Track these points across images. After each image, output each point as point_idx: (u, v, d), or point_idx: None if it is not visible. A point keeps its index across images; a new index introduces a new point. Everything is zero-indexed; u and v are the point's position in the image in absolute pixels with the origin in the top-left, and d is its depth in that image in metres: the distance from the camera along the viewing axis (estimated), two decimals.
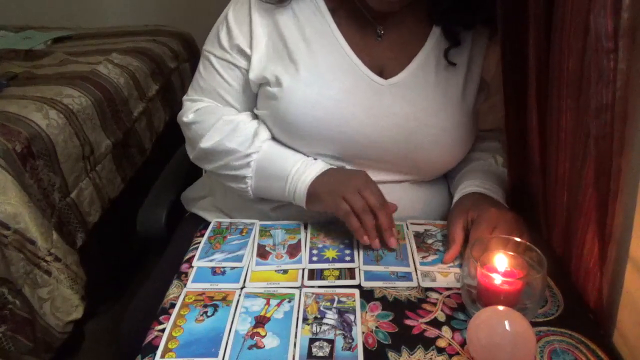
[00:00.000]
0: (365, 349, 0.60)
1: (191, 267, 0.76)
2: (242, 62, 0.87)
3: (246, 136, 0.85)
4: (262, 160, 0.84)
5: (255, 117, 0.90)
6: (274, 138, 0.87)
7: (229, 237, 0.83)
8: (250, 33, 0.85)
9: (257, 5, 0.85)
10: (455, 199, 0.85)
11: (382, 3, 0.78)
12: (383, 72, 0.84)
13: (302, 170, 0.82)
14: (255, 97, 0.89)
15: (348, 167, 0.86)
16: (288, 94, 0.81)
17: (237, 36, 0.86)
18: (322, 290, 0.70)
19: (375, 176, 0.85)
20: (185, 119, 0.90)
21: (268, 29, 0.85)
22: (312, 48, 0.83)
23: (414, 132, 0.82)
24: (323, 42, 0.83)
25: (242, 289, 0.71)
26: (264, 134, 0.86)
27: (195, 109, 0.90)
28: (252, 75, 0.85)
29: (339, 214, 0.78)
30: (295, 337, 0.62)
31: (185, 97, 0.95)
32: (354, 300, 0.68)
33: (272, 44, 0.85)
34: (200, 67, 0.92)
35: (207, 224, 0.87)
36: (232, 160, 0.85)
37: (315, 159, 0.84)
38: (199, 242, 0.82)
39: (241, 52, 0.86)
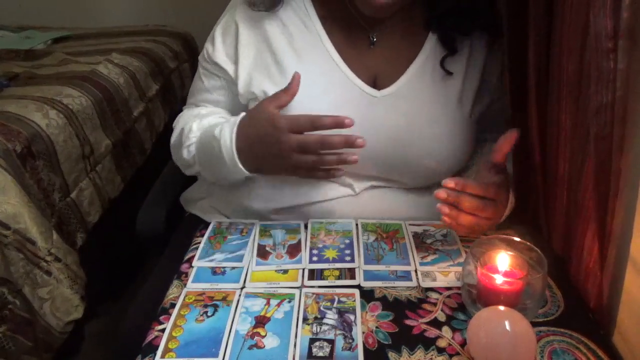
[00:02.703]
0: (365, 349, 0.60)
1: (191, 267, 0.76)
2: (227, 76, 0.87)
3: (182, 129, 0.87)
4: (199, 146, 0.84)
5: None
6: None
7: (229, 237, 0.83)
8: (235, 47, 0.84)
9: (245, 18, 0.84)
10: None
11: (371, 8, 0.75)
12: (376, 81, 0.82)
13: (220, 136, 0.79)
14: (244, 108, 0.88)
15: (345, 177, 0.85)
16: None
17: (219, 54, 0.86)
18: (322, 290, 0.70)
19: (368, 182, 0.84)
20: (173, 125, 0.93)
21: (256, 40, 0.83)
22: (302, 59, 0.81)
23: (408, 145, 0.80)
24: (313, 53, 0.81)
25: (242, 289, 0.71)
26: (197, 124, 0.86)
27: (179, 116, 0.94)
28: (241, 90, 0.85)
29: (299, 176, 0.78)
30: (296, 337, 0.62)
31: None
32: (354, 300, 0.68)
33: (260, 56, 0.83)
34: (195, 76, 0.94)
35: (207, 224, 0.87)
36: (181, 162, 0.88)
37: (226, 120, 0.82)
38: (199, 242, 0.82)
39: (222, 69, 0.86)
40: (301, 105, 0.78)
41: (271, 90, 0.80)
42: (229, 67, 0.85)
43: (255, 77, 0.83)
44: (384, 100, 0.81)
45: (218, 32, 0.87)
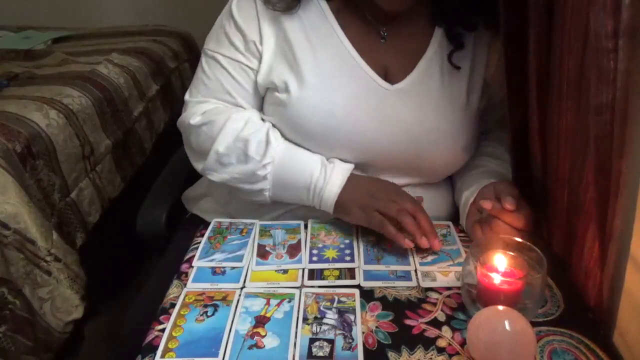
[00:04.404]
0: (365, 349, 0.60)
1: (191, 267, 0.76)
2: (253, 63, 0.85)
3: (259, 139, 0.82)
4: (277, 169, 0.81)
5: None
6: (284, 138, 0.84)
7: (229, 237, 0.83)
8: (259, 32, 0.83)
9: (264, 9, 0.83)
10: (462, 215, 0.85)
11: (391, 3, 0.77)
12: (387, 74, 0.83)
13: (323, 179, 0.80)
14: (260, 101, 0.88)
15: (354, 170, 0.85)
16: (295, 101, 0.80)
17: (249, 34, 0.83)
18: (322, 290, 0.70)
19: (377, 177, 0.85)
20: (192, 122, 0.85)
21: (275, 31, 0.83)
22: (318, 54, 0.82)
23: (419, 137, 0.82)
24: (329, 46, 0.82)
25: (242, 289, 0.71)
26: (275, 138, 0.83)
27: (203, 111, 0.86)
28: (260, 79, 0.84)
29: (374, 227, 0.77)
30: (295, 337, 0.62)
31: (187, 98, 0.91)
32: (354, 300, 0.68)
33: (279, 47, 0.83)
34: (205, 67, 0.88)
35: (207, 224, 0.87)
36: (247, 173, 0.82)
37: (331, 162, 0.82)
38: (199, 242, 0.82)
39: (254, 51, 0.84)
40: (317, 97, 0.80)
41: (290, 81, 0.81)
42: (260, 48, 0.84)
43: (276, 67, 0.83)
44: (395, 94, 0.82)
45: (239, 19, 0.84)
